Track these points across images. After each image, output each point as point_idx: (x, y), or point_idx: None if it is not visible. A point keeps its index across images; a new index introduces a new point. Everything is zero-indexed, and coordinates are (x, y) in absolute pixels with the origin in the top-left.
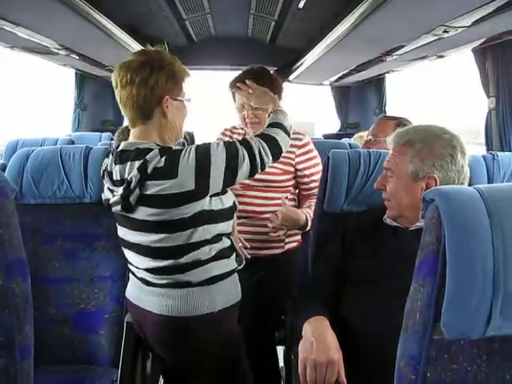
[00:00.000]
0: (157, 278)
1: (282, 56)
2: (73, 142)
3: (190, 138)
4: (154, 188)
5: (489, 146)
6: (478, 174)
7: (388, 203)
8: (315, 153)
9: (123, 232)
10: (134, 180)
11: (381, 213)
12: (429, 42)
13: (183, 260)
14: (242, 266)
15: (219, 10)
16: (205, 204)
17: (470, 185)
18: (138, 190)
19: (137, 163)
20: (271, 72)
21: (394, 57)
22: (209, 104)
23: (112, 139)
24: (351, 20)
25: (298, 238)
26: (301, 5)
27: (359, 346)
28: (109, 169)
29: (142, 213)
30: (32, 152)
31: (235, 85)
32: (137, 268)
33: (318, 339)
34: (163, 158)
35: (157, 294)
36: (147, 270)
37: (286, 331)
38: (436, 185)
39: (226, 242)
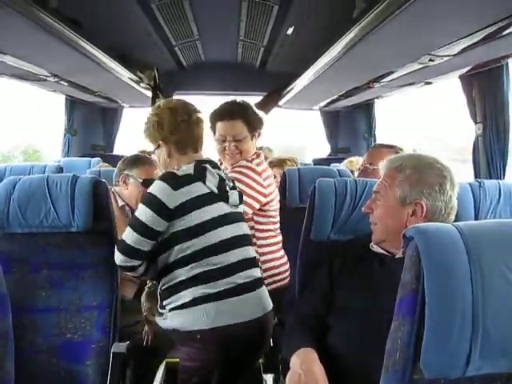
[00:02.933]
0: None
1: (272, 81)
2: (61, 169)
3: None
4: None
5: (476, 173)
6: (464, 202)
7: (374, 227)
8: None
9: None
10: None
11: (367, 241)
12: (415, 70)
13: None
14: None
15: (208, 37)
16: None
17: (456, 213)
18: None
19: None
20: (252, 104)
21: (382, 83)
22: None
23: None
24: (338, 48)
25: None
26: (289, 31)
27: (346, 378)
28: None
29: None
30: (19, 180)
31: (216, 117)
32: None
33: (305, 372)
34: None
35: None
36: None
37: (275, 360)
38: (422, 212)
39: None
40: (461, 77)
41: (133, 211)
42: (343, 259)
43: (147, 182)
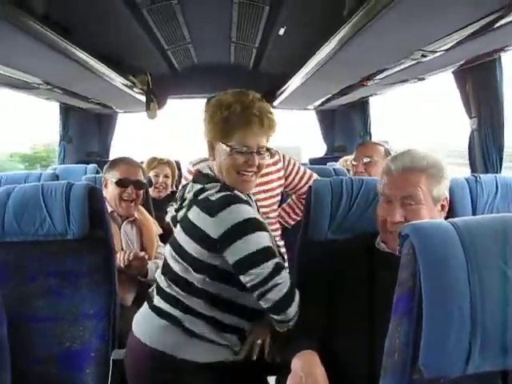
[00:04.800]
0: None
1: (266, 82)
2: (57, 176)
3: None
4: None
5: (473, 167)
6: (461, 198)
7: None
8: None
9: None
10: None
11: (369, 239)
12: (408, 66)
13: None
14: None
15: (200, 40)
16: None
17: (452, 209)
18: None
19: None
20: None
21: (375, 81)
22: (194, 132)
23: (98, 171)
24: (330, 46)
25: None
26: (281, 32)
27: (348, 381)
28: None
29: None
30: (14, 189)
31: None
32: None
33: (307, 374)
34: None
35: None
36: None
37: (276, 361)
38: (447, 206)
39: None
40: (454, 72)
41: (122, 217)
42: (342, 258)
43: (121, 182)
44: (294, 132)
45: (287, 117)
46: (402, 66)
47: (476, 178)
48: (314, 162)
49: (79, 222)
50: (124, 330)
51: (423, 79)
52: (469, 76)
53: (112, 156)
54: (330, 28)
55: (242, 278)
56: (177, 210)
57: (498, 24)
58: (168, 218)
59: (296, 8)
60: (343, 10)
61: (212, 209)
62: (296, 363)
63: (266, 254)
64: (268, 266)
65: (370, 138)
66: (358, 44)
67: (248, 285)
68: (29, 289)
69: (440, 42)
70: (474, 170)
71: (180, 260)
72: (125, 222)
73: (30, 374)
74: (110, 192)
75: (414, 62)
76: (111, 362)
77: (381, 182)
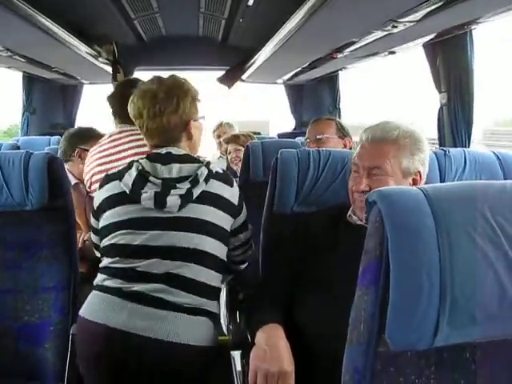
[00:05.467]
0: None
1: (235, 55)
2: (18, 148)
3: None
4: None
5: (441, 141)
6: (430, 171)
7: None
8: None
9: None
10: (201, 176)
11: (335, 212)
12: (378, 38)
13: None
14: None
15: (168, 9)
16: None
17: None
18: (204, 185)
19: (196, 164)
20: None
21: (345, 53)
22: None
23: None
24: (299, 16)
25: None
26: (250, 2)
27: (312, 353)
28: (147, 168)
29: (196, 210)
30: None
31: None
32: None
33: (271, 348)
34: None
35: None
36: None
37: (241, 336)
38: (420, 180)
39: None
40: (424, 45)
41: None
42: (309, 230)
43: None
44: (263, 106)
45: (256, 91)
46: (373, 38)
47: (445, 151)
48: (282, 136)
49: (38, 192)
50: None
51: (394, 53)
52: (439, 50)
53: None
54: None
55: (238, 236)
56: (191, 188)
57: None
58: (176, 200)
59: None
60: None
61: (229, 180)
62: (260, 336)
63: None
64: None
65: (339, 114)
66: (328, 14)
67: (242, 241)
68: None
69: (411, 13)
70: (442, 144)
71: (193, 233)
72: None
73: None
74: None
75: (384, 34)
76: (70, 336)
77: (354, 153)
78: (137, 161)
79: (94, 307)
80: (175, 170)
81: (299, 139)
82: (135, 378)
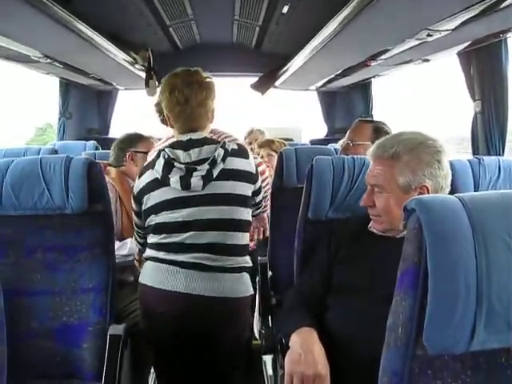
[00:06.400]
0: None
1: (268, 62)
2: (56, 152)
3: None
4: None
5: (475, 149)
6: (463, 179)
7: (377, 218)
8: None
9: (186, 213)
10: (218, 156)
11: (366, 219)
12: (413, 46)
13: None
14: None
15: (203, 17)
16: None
17: (454, 190)
18: (222, 164)
19: (213, 146)
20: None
21: (379, 61)
22: None
23: (97, 148)
24: (335, 24)
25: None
26: (285, 10)
27: (347, 357)
28: (172, 156)
29: (217, 187)
30: (12, 162)
31: None
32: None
33: (306, 352)
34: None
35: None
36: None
37: (274, 340)
38: (428, 193)
39: None
40: (459, 53)
41: None
42: (341, 237)
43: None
44: (295, 113)
45: (288, 97)
46: (407, 46)
47: (479, 159)
48: (314, 142)
49: (78, 196)
50: (121, 305)
51: (428, 60)
52: (474, 58)
53: (112, 133)
54: (334, 6)
55: (254, 198)
56: (210, 169)
57: (505, 4)
58: (199, 181)
59: None
60: None
61: (243, 153)
62: (295, 340)
63: None
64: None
65: None
66: (363, 23)
67: (260, 199)
68: (26, 263)
69: (446, 22)
70: (476, 152)
71: (220, 205)
72: None
73: (27, 348)
74: (141, 164)
75: (418, 42)
76: (108, 336)
77: None
78: (163, 150)
79: (153, 275)
80: (194, 154)
81: (331, 145)
82: (194, 332)
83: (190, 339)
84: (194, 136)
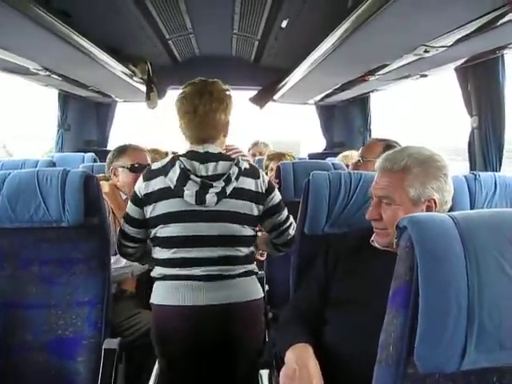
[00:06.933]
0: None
1: (267, 75)
2: (54, 164)
3: None
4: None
5: (472, 165)
6: (459, 195)
7: (383, 232)
8: None
9: (195, 227)
10: (233, 174)
11: (364, 234)
12: (411, 62)
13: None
14: None
15: (202, 30)
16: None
17: (451, 206)
18: (235, 182)
19: (228, 163)
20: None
21: (377, 76)
22: None
23: (95, 160)
24: (333, 40)
25: None
26: (283, 24)
27: (342, 373)
28: (188, 167)
29: (229, 204)
30: (8, 175)
31: None
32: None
33: (301, 367)
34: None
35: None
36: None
37: (269, 355)
38: (436, 207)
39: None
40: (456, 69)
41: None
42: (339, 252)
43: (134, 168)
44: (294, 127)
45: (287, 111)
46: (405, 62)
47: (475, 175)
48: (313, 156)
49: (74, 209)
50: (118, 319)
51: (425, 76)
52: (471, 74)
53: (110, 145)
54: (332, 21)
55: (272, 218)
56: (224, 186)
57: (501, 21)
58: (213, 197)
59: (299, 0)
60: (347, 4)
61: (256, 174)
62: (290, 356)
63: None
64: (285, 210)
65: (370, 135)
66: (361, 38)
67: (277, 222)
68: (22, 275)
69: (443, 38)
70: (473, 168)
71: (229, 223)
72: None
73: (21, 361)
74: (121, 178)
75: (416, 58)
76: (103, 350)
77: None
78: (178, 158)
79: (170, 294)
80: (211, 168)
81: (330, 159)
82: (216, 341)
83: (212, 349)
84: (211, 149)
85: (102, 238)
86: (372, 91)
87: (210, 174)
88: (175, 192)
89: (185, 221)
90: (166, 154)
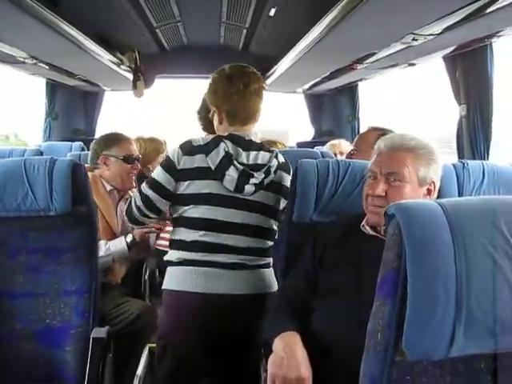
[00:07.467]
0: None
1: (255, 64)
2: (41, 153)
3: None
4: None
5: (460, 153)
6: (448, 183)
7: (379, 210)
8: None
9: (226, 213)
10: (272, 167)
11: (353, 222)
12: (399, 50)
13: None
14: None
15: (190, 18)
16: None
17: (439, 193)
18: (273, 175)
19: (268, 154)
20: None
21: (365, 65)
22: (181, 112)
23: (83, 149)
24: (321, 28)
25: None
26: (271, 13)
27: (330, 361)
28: (232, 151)
29: (263, 196)
30: None
31: None
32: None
33: (288, 355)
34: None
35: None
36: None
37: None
38: (434, 191)
39: None
40: (444, 57)
41: (120, 194)
42: (327, 239)
43: (129, 159)
44: (282, 115)
45: (275, 100)
46: (393, 50)
47: (463, 164)
48: (301, 145)
49: (62, 198)
50: (106, 308)
51: (413, 64)
52: (459, 62)
53: (98, 134)
54: (320, 10)
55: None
56: (264, 178)
57: (489, 9)
58: (251, 188)
59: None
60: None
61: (289, 169)
62: (278, 344)
63: None
64: None
65: (358, 123)
66: (349, 26)
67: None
68: (10, 264)
69: (431, 26)
70: (461, 156)
71: (260, 214)
72: (121, 201)
73: (9, 350)
74: (113, 169)
75: (404, 46)
76: (91, 339)
77: (370, 161)
78: (222, 140)
79: (190, 279)
80: (252, 156)
81: (318, 148)
82: (235, 332)
83: (227, 341)
84: (254, 137)
85: (90, 227)
86: (360, 80)
87: (250, 162)
88: (214, 174)
89: (218, 205)
90: (164, 142)
